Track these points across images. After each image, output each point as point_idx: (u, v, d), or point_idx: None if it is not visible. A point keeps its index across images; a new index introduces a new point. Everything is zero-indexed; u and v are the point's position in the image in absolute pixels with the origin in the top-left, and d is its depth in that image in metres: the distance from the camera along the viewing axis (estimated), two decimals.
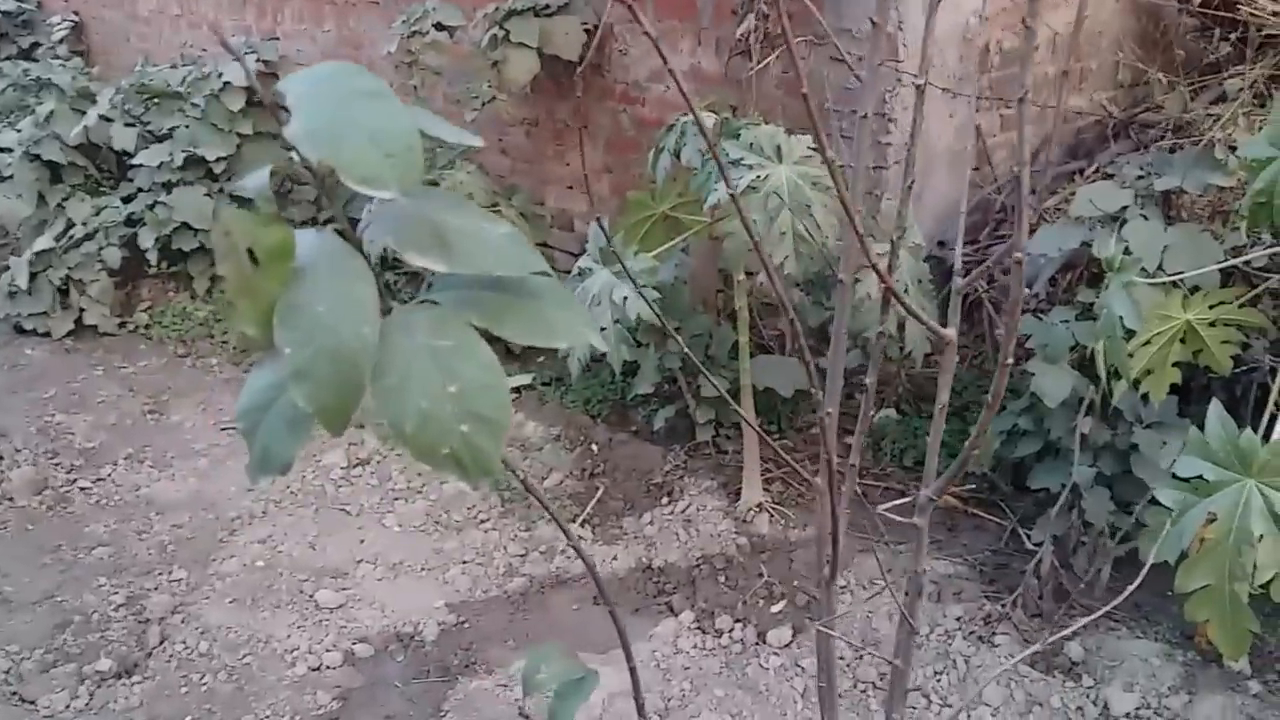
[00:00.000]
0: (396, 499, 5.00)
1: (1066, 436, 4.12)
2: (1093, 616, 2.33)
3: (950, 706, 3.75)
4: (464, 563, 4.60)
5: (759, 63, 4.73)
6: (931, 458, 1.61)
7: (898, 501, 2.02)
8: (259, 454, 0.94)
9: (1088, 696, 3.67)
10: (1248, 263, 3.58)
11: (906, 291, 4.10)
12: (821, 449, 1.32)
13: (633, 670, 1.62)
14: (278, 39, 6.87)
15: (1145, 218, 3.98)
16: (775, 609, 4.24)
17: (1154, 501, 3.06)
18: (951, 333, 1.29)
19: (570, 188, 6.27)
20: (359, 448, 5.36)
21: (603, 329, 4.17)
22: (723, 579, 4.37)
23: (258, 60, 6.03)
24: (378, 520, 4.87)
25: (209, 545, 4.73)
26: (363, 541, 4.72)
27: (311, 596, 4.36)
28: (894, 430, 5.02)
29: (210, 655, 4.07)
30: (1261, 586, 2.83)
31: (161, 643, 4.14)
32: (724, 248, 3.96)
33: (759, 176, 3.71)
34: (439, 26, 5.35)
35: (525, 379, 5.31)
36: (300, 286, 0.85)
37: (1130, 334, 3.34)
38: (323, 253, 0.88)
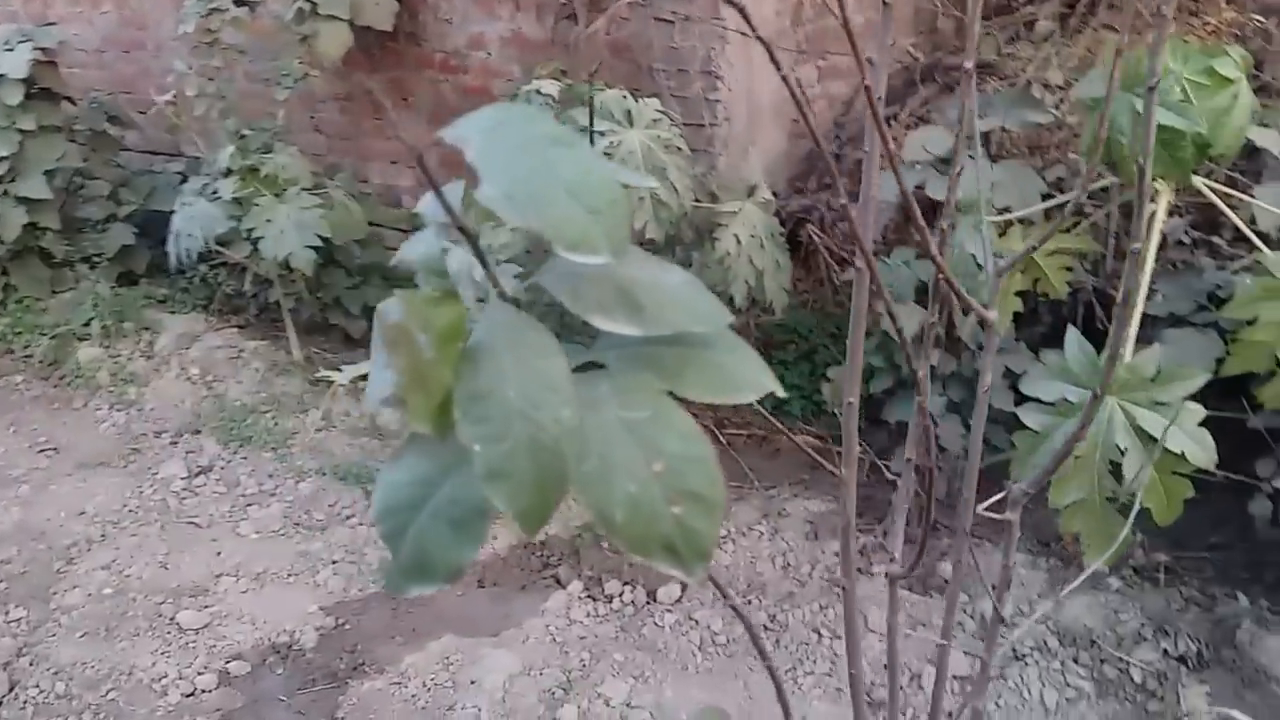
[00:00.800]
0: (249, 504, 4.78)
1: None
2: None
3: (840, 637, 3.93)
4: (334, 563, 4.45)
5: (586, 26, 4.71)
6: (972, 472, 1.64)
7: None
8: (412, 560, 0.82)
9: (964, 610, 3.93)
10: (1081, 199, 3.85)
11: (762, 247, 4.21)
12: (846, 442, 1.34)
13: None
14: (54, 24, 6.31)
15: (972, 158, 4.22)
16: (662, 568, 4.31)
17: (1020, 426, 3.30)
18: (994, 315, 1.34)
19: (394, 163, 6.08)
20: (198, 455, 5.08)
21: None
22: (606, 544, 4.41)
23: (34, 49, 5.53)
24: (232, 529, 4.64)
25: (46, 578, 4.39)
26: (219, 554, 4.49)
27: (172, 619, 4.12)
28: None
29: (70, 696, 3.79)
30: (1130, 494, 3.12)
31: (11, 690, 3.82)
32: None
33: (612, 143, 3.71)
34: (239, 2, 5.05)
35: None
36: (481, 370, 0.76)
37: (981, 269, 3.55)
38: (498, 325, 0.78)
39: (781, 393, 0.82)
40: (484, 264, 0.82)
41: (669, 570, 0.78)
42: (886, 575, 1.50)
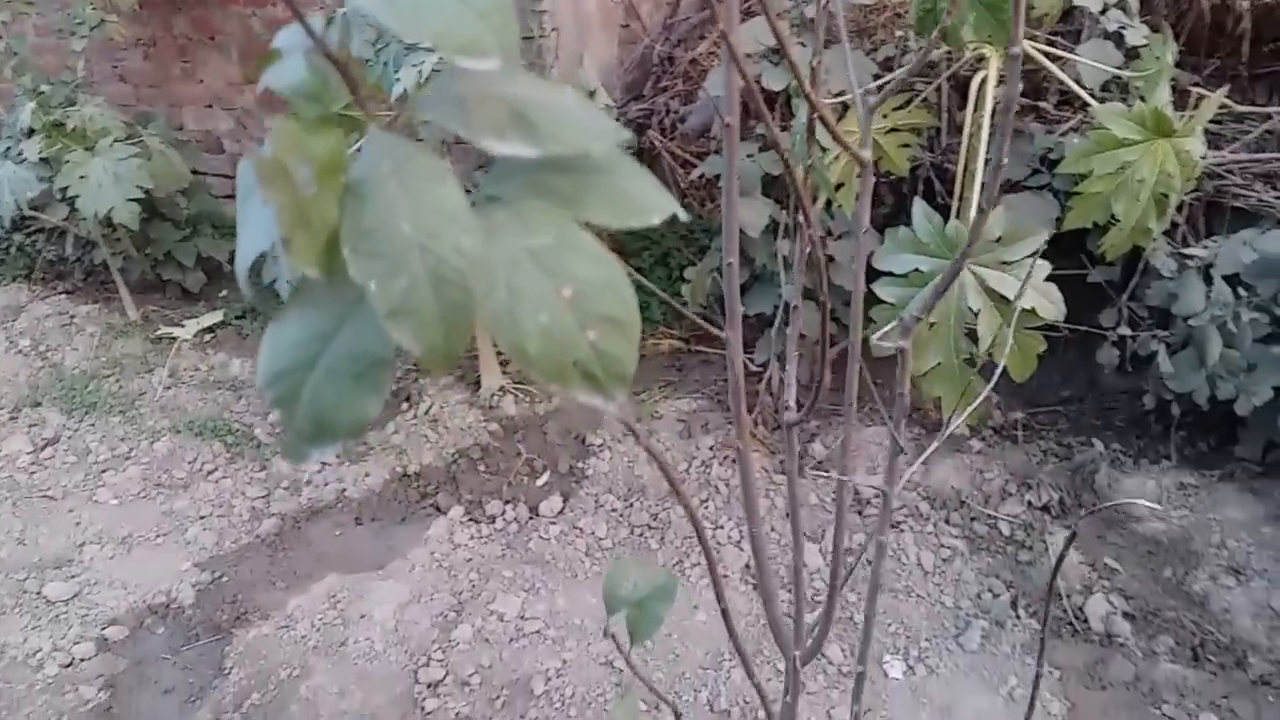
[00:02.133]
0: (104, 470, 4.64)
1: (770, 262, 4.49)
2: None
3: (722, 528, 4.09)
4: (202, 518, 4.38)
5: None
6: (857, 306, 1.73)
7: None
8: (310, 422, 0.76)
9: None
10: (913, 75, 4.00)
11: None
12: (729, 302, 1.39)
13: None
14: None
15: (803, 44, 4.34)
16: (540, 482, 4.39)
17: (877, 302, 3.47)
18: (866, 154, 1.41)
19: (209, 106, 5.86)
20: (41, 427, 4.89)
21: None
22: (482, 467, 4.46)
23: None
24: (89, 498, 4.51)
25: None
26: (79, 523, 4.37)
27: (38, 593, 4.01)
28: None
29: None
30: (985, 354, 3.32)
31: None
32: (424, 138, 3.91)
33: (441, 59, 3.67)
34: None
35: (216, 316, 5.05)
36: (368, 201, 0.71)
37: (825, 151, 3.68)
38: (382, 153, 0.73)
39: (684, 216, 0.79)
40: (354, 92, 0.81)
41: (588, 399, 0.76)
42: (784, 422, 1.58)
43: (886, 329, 3.48)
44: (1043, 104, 4.10)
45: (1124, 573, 3.70)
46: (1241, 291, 3.75)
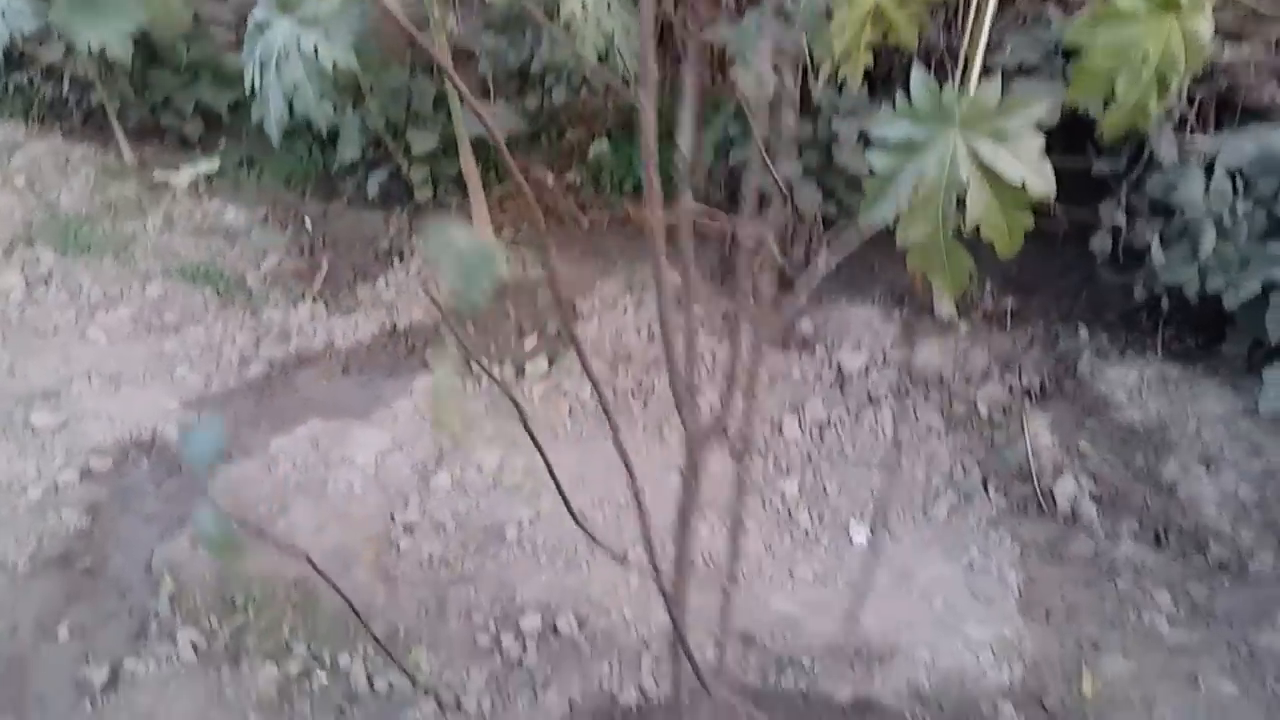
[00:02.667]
0: (95, 310, 4.71)
1: (773, 137, 4.46)
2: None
3: (705, 395, 4.15)
4: (191, 361, 4.46)
5: None
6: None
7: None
8: None
9: (823, 362, 4.18)
10: None
11: (609, 9, 4.19)
12: (642, 65, 1.41)
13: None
14: None
15: None
16: (528, 344, 4.45)
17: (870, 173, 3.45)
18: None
19: None
20: (36, 265, 4.94)
21: (298, 85, 4.03)
22: (472, 326, 4.51)
23: None
24: (79, 335, 4.59)
25: None
26: (68, 359, 4.45)
27: (25, 422, 4.11)
28: (609, 161, 5.21)
29: None
30: (972, 229, 3.32)
31: None
32: None
33: None
34: None
35: (213, 164, 5.01)
36: None
37: (830, 18, 3.62)
38: None
39: None
40: None
41: None
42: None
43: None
44: None
45: (1096, 457, 3.76)
46: (1241, 186, 3.72)
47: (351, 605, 2.10)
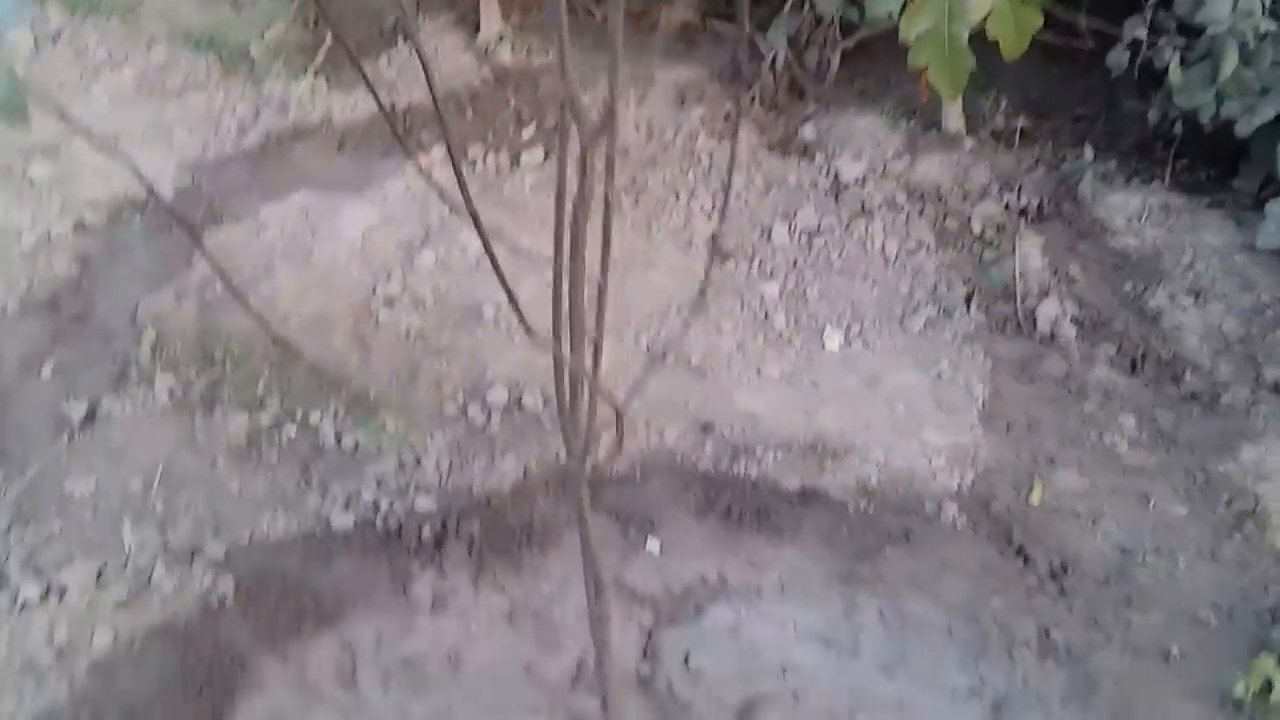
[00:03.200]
0: (99, 71, 4.66)
1: None
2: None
3: (696, 197, 4.09)
4: (190, 127, 4.43)
5: None
6: None
7: None
8: None
9: (820, 170, 4.08)
10: None
11: None
12: None
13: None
14: None
15: None
16: (525, 134, 4.37)
17: None
18: None
19: None
20: (44, 23, 4.87)
21: None
22: (470, 112, 4.43)
23: None
24: (82, 94, 4.56)
25: None
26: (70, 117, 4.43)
27: (24, 174, 4.13)
28: None
29: None
30: (978, 25, 3.18)
31: None
32: None
33: None
34: None
35: None
36: None
37: None
38: None
39: None
40: None
41: None
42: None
43: None
44: None
45: (1083, 281, 3.68)
46: (1269, 4, 3.51)
47: (321, 369, 2.12)
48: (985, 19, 3.30)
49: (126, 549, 2.95)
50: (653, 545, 2.96)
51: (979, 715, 2.59)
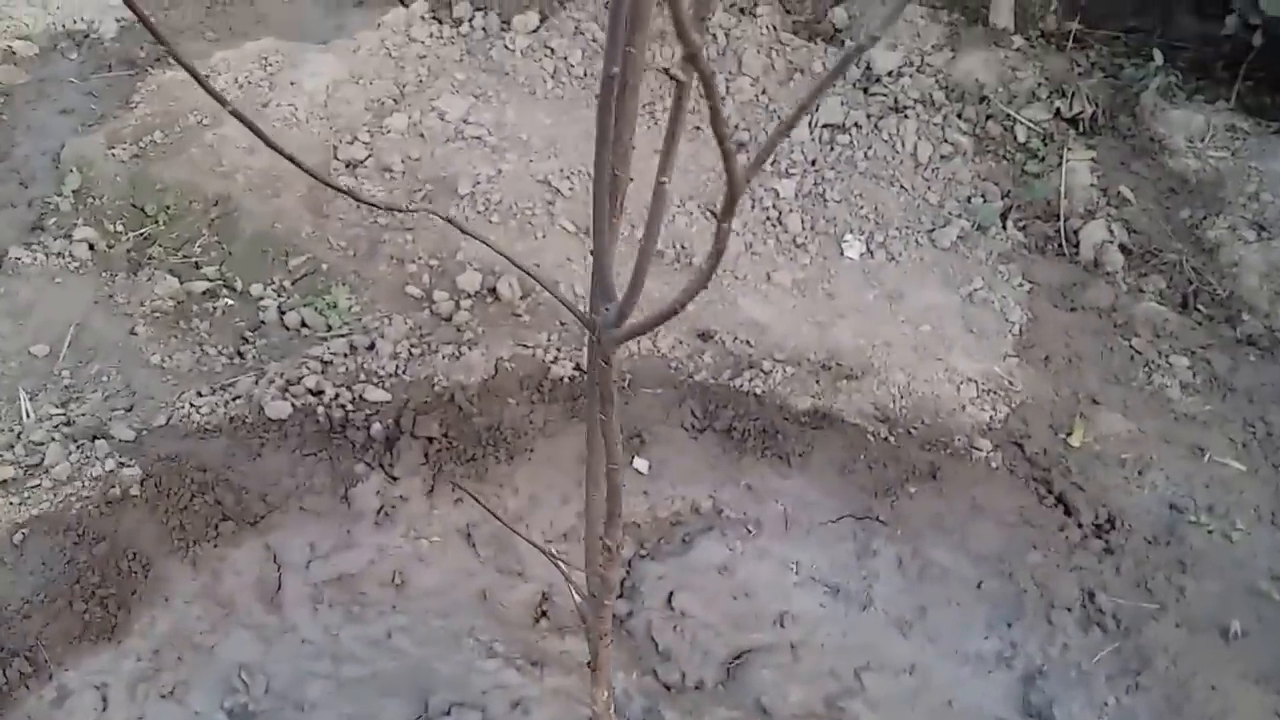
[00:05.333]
0: None
1: None
2: None
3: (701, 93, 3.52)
4: None
5: None
6: None
7: None
8: None
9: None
10: None
11: None
12: None
13: None
14: None
15: None
16: None
17: None
18: None
19: None
20: None
21: None
22: None
23: None
24: None
25: None
26: None
27: None
28: None
29: None
30: None
31: None
32: None
33: None
34: None
35: None
36: None
37: None
38: None
39: None
40: None
41: None
42: None
43: None
44: None
45: (1136, 205, 3.17)
46: None
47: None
48: None
49: (22, 422, 2.41)
50: (640, 464, 2.47)
51: (1007, 687, 2.15)
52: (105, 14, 3.54)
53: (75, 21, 3.51)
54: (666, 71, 0.84)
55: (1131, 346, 2.87)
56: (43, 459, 2.31)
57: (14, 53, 3.37)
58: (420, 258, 2.92)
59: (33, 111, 3.19)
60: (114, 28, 3.51)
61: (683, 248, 3.06)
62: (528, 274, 1.29)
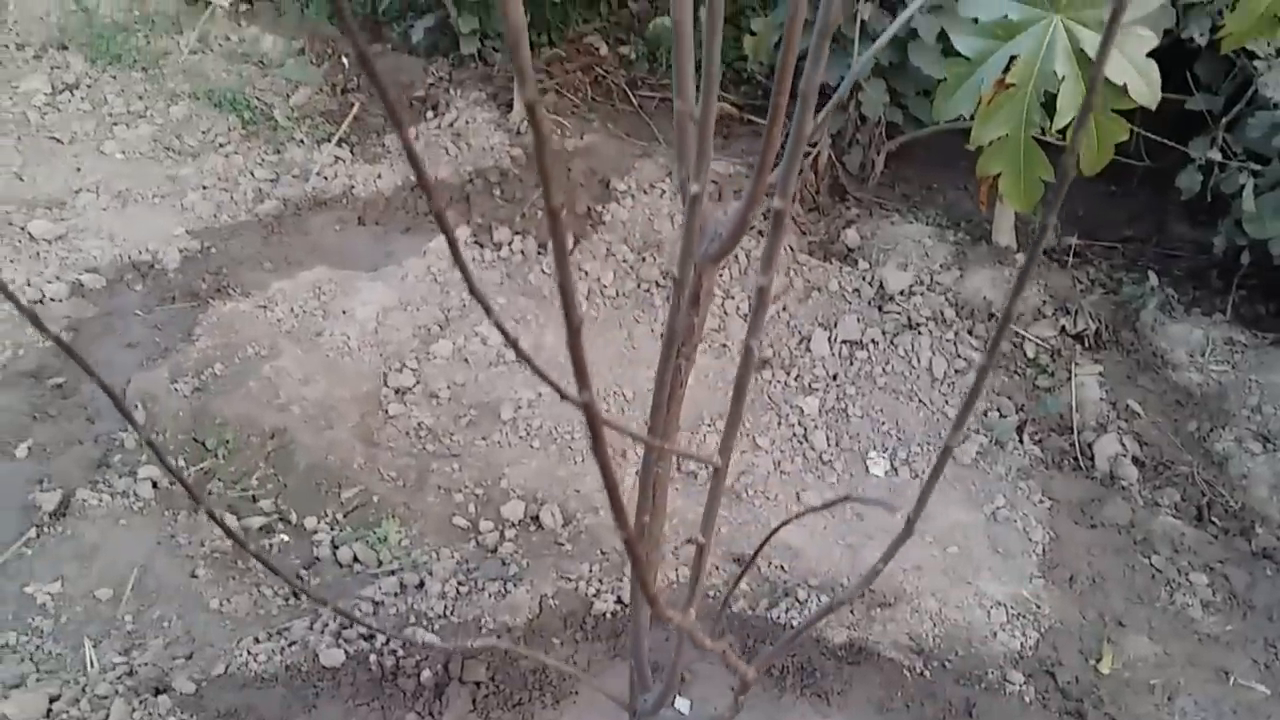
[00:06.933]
0: (115, 124, 4.21)
1: (846, 26, 3.83)
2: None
3: (732, 298, 3.64)
4: (204, 189, 3.97)
5: None
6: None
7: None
8: None
9: (864, 278, 3.64)
10: None
11: None
12: None
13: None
14: None
15: None
16: None
17: (951, 52, 2.87)
18: None
19: None
20: (64, 71, 4.43)
21: None
22: (498, 192, 3.98)
23: None
24: (95, 148, 4.10)
25: None
26: (79, 170, 3.98)
27: (23, 229, 3.65)
28: (669, 37, 4.59)
29: None
30: (1058, 132, 2.73)
31: None
32: None
33: None
34: None
35: None
36: None
37: None
38: None
39: None
40: None
41: None
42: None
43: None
44: None
45: (1145, 418, 3.23)
46: None
47: None
48: (1068, 125, 2.86)
49: (87, 673, 2.43)
50: (681, 704, 2.46)
51: None
52: (168, 245, 3.69)
53: (140, 253, 3.65)
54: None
55: (1152, 565, 2.88)
56: (107, 715, 2.32)
57: (83, 285, 3.50)
58: (466, 486, 2.98)
59: (100, 345, 3.30)
60: (176, 259, 3.65)
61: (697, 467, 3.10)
62: None
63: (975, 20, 2.70)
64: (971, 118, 2.82)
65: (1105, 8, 2.54)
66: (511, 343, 0.63)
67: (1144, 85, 2.54)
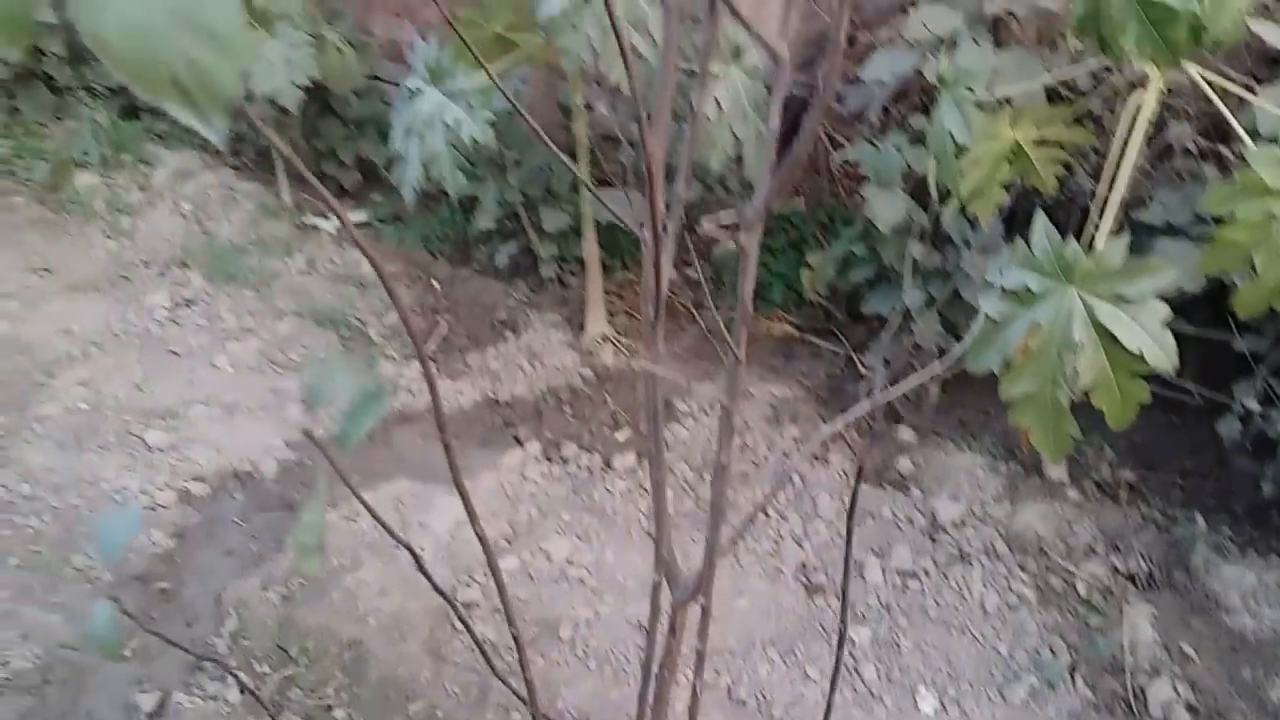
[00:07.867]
0: (227, 339, 4.77)
1: (898, 262, 4.22)
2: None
3: (787, 520, 3.91)
4: (303, 402, 4.45)
5: None
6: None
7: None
8: None
9: (916, 507, 3.89)
10: (1070, 83, 3.68)
11: (745, 117, 4.05)
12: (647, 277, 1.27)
13: (463, 493, 1.53)
14: None
15: (975, 41, 4.02)
16: (620, 437, 4.29)
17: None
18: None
19: (398, 15, 5.91)
20: (183, 288, 5.06)
21: (436, 154, 4.01)
22: (569, 410, 4.39)
23: None
24: (207, 361, 4.65)
25: (26, 389, 4.42)
26: (192, 382, 4.51)
27: (140, 437, 4.16)
28: (735, 262, 5.05)
29: (33, 498, 3.85)
30: (1082, 393, 3.01)
31: None
32: (561, 63, 3.78)
33: None
34: None
35: (362, 215, 5.07)
36: None
37: (961, 150, 3.40)
38: None
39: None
40: None
41: (187, 118, 0.73)
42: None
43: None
44: (1225, 149, 3.69)
45: (1199, 663, 3.35)
46: None
47: None
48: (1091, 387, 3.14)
49: None
50: None
51: None
52: (268, 455, 4.14)
53: (242, 461, 4.11)
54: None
55: None
56: None
57: (190, 493, 3.95)
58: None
59: (200, 553, 3.71)
60: (274, 468, 4.09)
61: (763, 696, 3.31)
62: None
63: (1000, 286, 3.04)
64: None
65: (1118, 283, 2.86)
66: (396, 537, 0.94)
67: (1160, 353, 2.82)
